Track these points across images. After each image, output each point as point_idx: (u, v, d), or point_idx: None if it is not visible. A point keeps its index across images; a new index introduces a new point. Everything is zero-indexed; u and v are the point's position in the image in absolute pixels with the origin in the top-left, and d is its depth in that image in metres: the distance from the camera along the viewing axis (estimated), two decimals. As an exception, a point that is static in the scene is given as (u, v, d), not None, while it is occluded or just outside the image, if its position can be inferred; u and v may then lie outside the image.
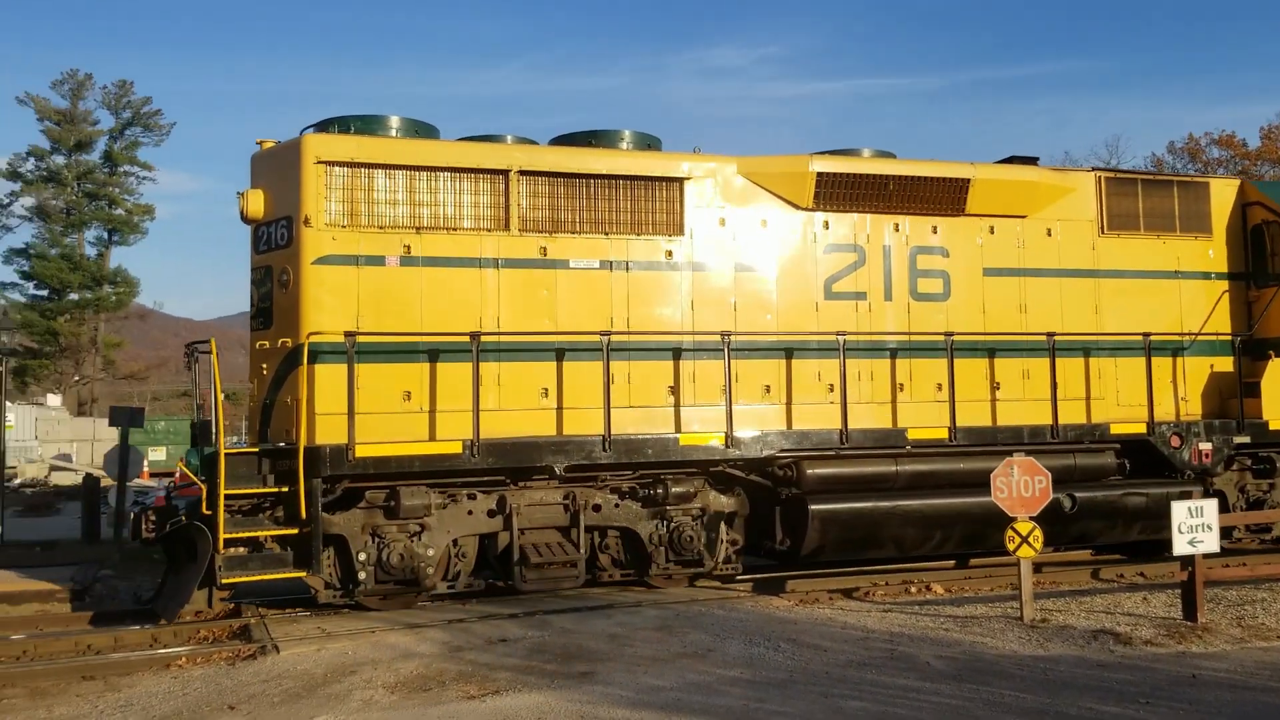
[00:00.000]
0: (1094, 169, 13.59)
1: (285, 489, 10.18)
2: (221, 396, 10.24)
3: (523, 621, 9.84)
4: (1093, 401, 13.10)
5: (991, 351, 12.75)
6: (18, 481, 28.23)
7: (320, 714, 7.29)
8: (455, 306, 10.94)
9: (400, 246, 10.83)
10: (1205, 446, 13.04)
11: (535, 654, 8.74)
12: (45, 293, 60.56)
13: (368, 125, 11.27)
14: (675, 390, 11.61)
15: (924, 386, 12.47)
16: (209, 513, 9.87)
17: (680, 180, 11.82)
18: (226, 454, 10.17)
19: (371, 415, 10.55)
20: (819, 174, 12.14)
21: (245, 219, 11.08)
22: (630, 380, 11.47)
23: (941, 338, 12.38)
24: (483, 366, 10.85)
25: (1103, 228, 13.43)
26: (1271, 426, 13.28)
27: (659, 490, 11.27)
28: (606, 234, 11.53)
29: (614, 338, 11.28)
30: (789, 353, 12.01)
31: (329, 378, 10.36)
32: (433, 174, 11.00)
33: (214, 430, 10.25)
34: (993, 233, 12.98)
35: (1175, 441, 12.96)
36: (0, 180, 60.92)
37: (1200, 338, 13.58)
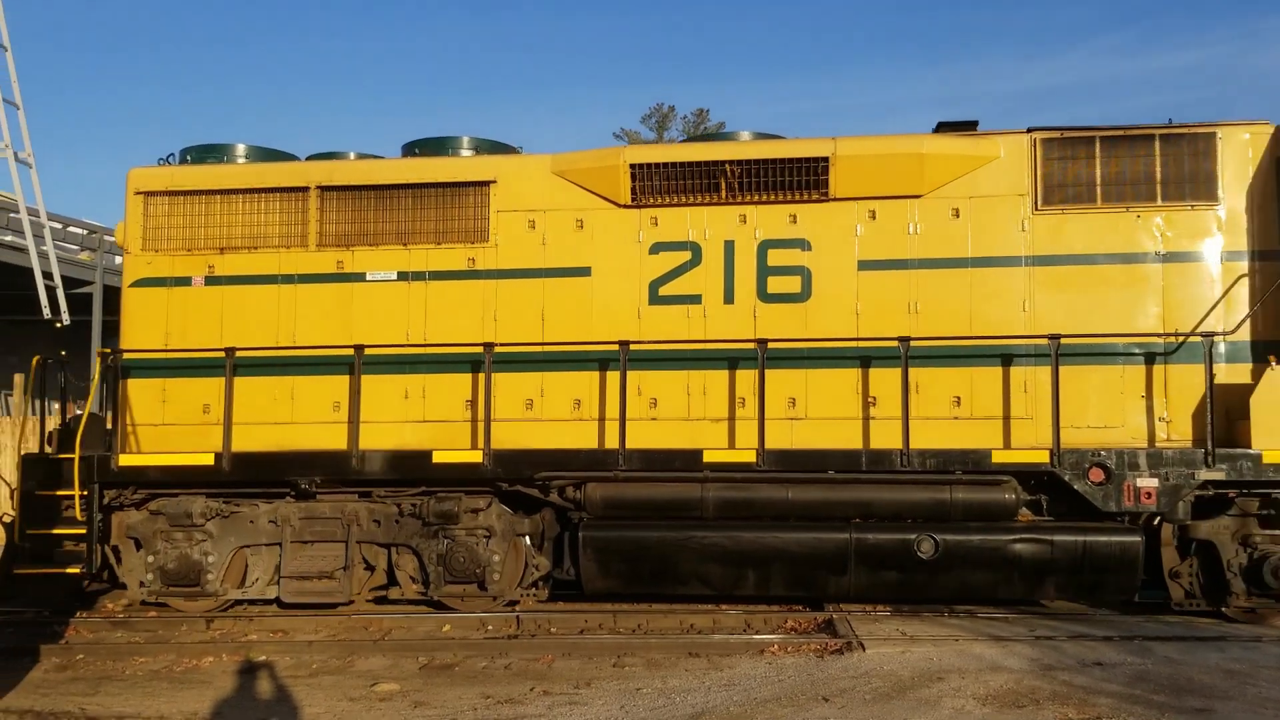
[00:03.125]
0: (1032, 129, 10.72)
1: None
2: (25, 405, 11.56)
3: (1119, 646, 9.32)
4: (1015, 421, 10.39)
5: (866, 360, 10.61)
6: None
7: (912, 718, 7.41)
8: (255, 323, 11.35)
9: (205, 267, 11.48)
10: (1147, 483, 9.78)
11: (1138, 682, 8.21)
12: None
13: (204, 154, 12.03)
14: (473, 404, 11.07)
15: (773, 401, 10.67)
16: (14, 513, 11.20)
17: (486, 184, 11.24)
18: (33, 458, 11.44)
19: (175, 427, 11.35)
20: (633, 166, 10.90)
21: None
22: (425, 395, 11.14)
23: (796, 344, 10.62)
24: (278, 380, 11.22)
25: (1037, 202, 10.60)
26: (1267, 459, 9.64)
27: (426, 508, 10.83)
28: (406, 245, 11.29)
29: (409, 350, 11.10)
30: (603, 364, 10.92)
31: (136, 392, 11.30)
32: (237, 197, 11.52)
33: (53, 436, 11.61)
34: (874, 218, 10.78)
35: (1098, 475, 9.86)
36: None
37: (1191, 339, 10.20)
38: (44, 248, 18.16)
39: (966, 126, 11.09)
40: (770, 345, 10.53)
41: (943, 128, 11.16)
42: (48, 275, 7.52)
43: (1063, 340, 10.02)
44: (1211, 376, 9.77)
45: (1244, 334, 10.24)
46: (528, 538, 11.08)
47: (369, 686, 8.66)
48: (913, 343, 10.17)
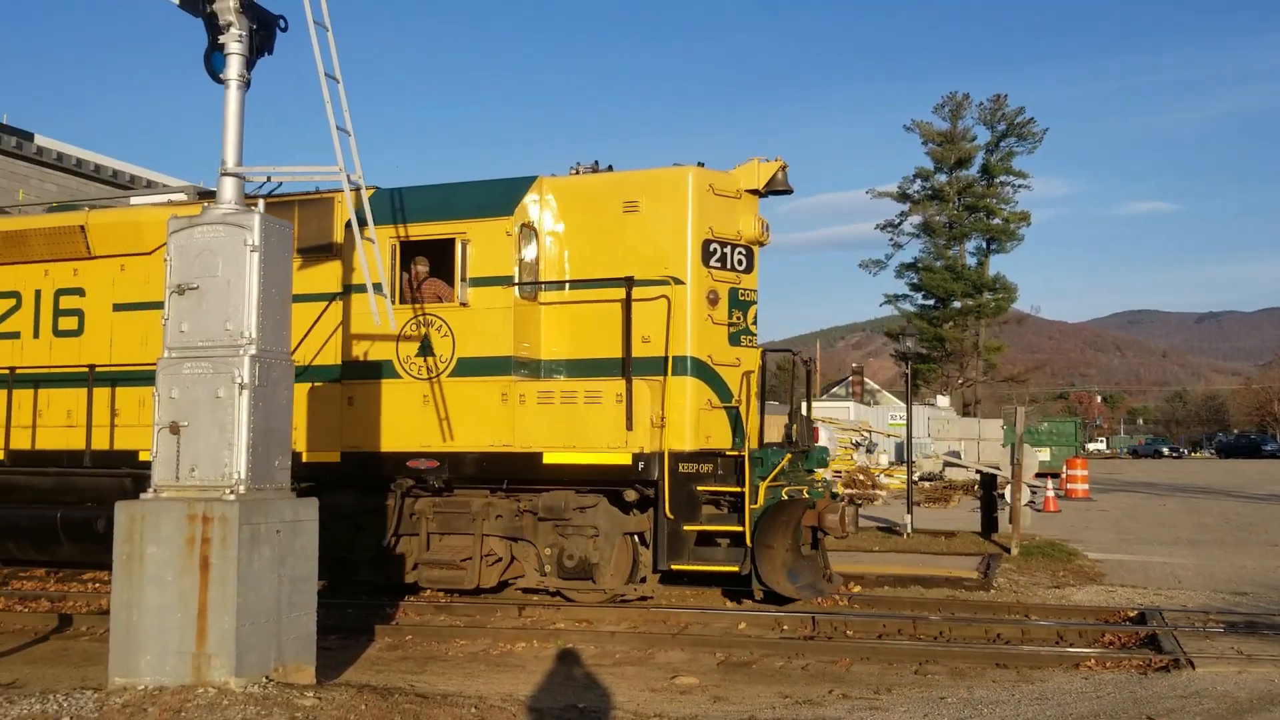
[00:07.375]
0: (250, 196, 13.51)
1: None
2: None
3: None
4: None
5: (115, 381, 13.78)
6: (917, 475, 29.90)
7: None
8: None
9: None
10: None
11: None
12: (932, 302, 67.80)
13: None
14: None
15: (56, 413, 14.08)
16: None
17: None
18: None
19: None
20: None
21: None
22: None
23: (80, 369, 13.94)
24: None
25: (231, 255, 13.40)
26: (306, 458, 12.40)
27: None
28: None
29: None
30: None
31: None
32: None
33: None
34: (123, 270, 13.95)
35: None
36: (891, 202, 69.17)
37: (316, 362, 12.83)
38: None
39: (207, 195, 13.88)
40: (55, 370, 13.95)
41: (203, 195, 14.03)
42: (378, 286, 10.22)
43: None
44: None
45: (332, 359, 12.92)
46: None
47: (669, 679, 8.87)
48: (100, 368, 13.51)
